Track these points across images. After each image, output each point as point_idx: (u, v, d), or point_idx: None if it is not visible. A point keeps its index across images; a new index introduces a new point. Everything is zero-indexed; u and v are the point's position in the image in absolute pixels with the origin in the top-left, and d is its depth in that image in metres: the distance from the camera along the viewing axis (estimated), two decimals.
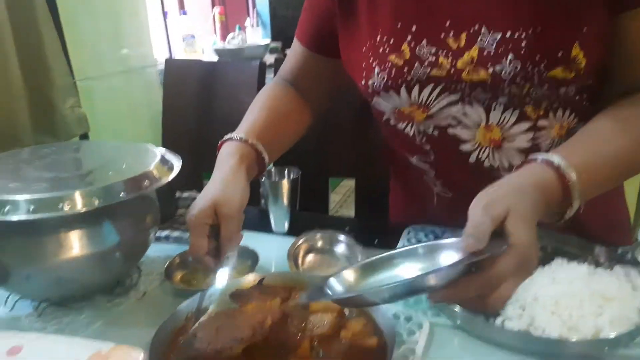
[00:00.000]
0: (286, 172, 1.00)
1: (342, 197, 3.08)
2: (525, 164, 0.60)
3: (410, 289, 0.50)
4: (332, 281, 0.58)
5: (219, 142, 0.81)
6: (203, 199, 0.68)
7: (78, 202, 0.62)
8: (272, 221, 0.98)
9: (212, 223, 0.67)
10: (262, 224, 1.00)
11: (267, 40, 3.39)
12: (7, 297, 0.75)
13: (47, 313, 0.74)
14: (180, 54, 2.99)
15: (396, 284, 0.49)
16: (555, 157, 0.57)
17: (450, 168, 0.83)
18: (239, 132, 0.80)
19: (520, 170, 0.58)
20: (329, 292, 0.57)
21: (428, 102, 0.75)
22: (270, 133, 0.82)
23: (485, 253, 0.48)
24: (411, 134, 0.81)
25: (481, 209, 0.50)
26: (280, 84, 0.94)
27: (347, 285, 0.59)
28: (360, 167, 1.29)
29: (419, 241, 0.90)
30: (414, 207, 1.02)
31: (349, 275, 0.60)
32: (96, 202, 0.63)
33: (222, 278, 0.68)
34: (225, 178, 0.72)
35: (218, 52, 3.05)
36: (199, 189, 1.46)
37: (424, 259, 0.60)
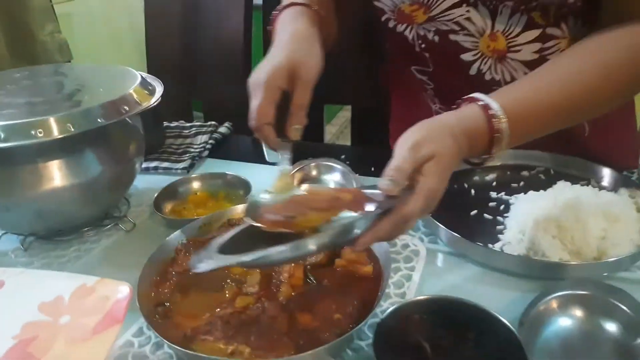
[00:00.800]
0: None
1: (338, 129, 3.02)
2: (464, 104, 0.56)
3: (330, 244, 0.47)
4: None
5: (272, 16, 0.68)
6: (278, 58, 0.57)
7: (52, 128, 0.58)
8: (264, 150, 0.94)
9: (285, 88, 0.56)
10: (254, 154, 0.96)
11: None
12: None
13: (33, 247, 0.72)
14: None
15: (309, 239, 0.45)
16: (495, 105, 0.53)
17: (449, 81, 0.79)
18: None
19: (456, 111, 0.55)
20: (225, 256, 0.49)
21: (430, 1, 0.69)
22: (327, 13, 0.70)
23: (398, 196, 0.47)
24: (410, 38, 0.76)
25: (408, 149, 0.48)
26: None
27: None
28: (357, 94, 1.23)
29: None
30: None
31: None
32: (71, 128, 0.58)
33: (286, 155, 0.59)
34: (300, 36, 0.60)
35: None
36: (189, 118, 1.42)
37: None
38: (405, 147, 0.48)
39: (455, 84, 0.77)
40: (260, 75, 0.56)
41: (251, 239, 0.50)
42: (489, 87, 0.74)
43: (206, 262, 0.47)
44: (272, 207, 0.52)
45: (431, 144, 0.48)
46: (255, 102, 0.55)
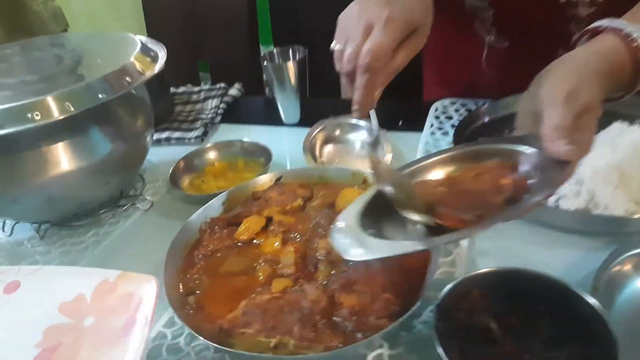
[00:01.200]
0: (291, 52, 0.87)
1: None
2: (602, 34, 0.49)
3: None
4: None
5: None
6: (404, 4, 0.49)
7: (51, 109, 0.52)
8: (280, 111, 0.87)
9: (406, 33, 0.49)
10: (270, 116, 0.90)
11: None
12: (4, 223, 0.69)
13: (50, 235, 0.67)
14: None
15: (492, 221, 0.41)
16: (638, 34, 0.47)
17: (515, 5, 0.70)
18: None
19: (592, 46, 0.49)
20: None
21: None
22: None
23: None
24: None
25: (563, 101, 0.42)
26: None
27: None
28: None
29: (449, 118, 0.80)
30: (455, 72, 0.89)
31: None
32: (71, 107, 0.52)
33: (374, 118, 0.53)
34: None
35: None
36: (196, 81, 1.35)
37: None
38: (558, 99, 0.43)
39: (522, 9, 0.69)
40: (385, 11, 0.47)
41: (381, 207, 0.47)
42: (561, 11, 0.66)
43: (363, 248, 0.42)
44: (441, 195, 0.46)
45: (583, 93, 0.43)
46: (377, 38, 0.46)
